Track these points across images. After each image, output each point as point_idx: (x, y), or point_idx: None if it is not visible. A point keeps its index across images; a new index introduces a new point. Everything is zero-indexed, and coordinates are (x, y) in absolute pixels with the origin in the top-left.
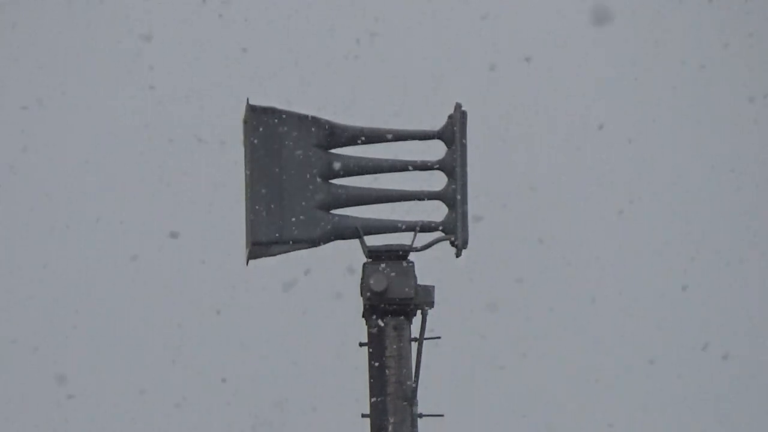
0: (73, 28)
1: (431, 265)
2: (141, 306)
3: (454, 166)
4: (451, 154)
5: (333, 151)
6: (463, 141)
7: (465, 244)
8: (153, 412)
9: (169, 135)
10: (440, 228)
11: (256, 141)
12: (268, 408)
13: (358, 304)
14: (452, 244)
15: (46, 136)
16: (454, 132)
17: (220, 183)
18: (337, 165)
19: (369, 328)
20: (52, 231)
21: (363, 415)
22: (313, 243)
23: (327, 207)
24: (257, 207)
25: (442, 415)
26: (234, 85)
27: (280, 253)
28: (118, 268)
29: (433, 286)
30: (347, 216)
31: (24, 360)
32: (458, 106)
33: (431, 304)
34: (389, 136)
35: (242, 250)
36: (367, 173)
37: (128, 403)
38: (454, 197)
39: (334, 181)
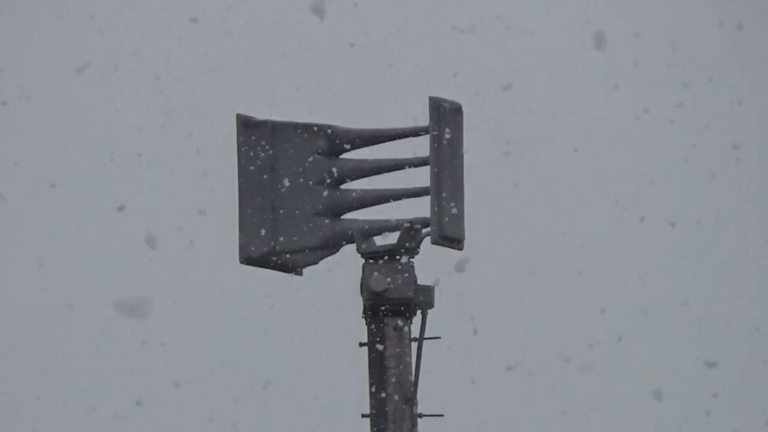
0: (61, 30)
1: (431, 265)
2: (144, 306)
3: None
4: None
5: (341, 156)
6: (436, 132)
7: (443, 238)
8: (152, 410)
9: (164, 144)
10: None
11: (245, 154)
12: (267, 407)
13: (358, 304)
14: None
15: (37, 142)
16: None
17: (217, 189)
18: (337, 170)
19: (369, 328)
20: (52, 236)
21: (363, 415)
22: (327, 250)
23: (330, 214)
24: (248, 223)
25: (442, 415)
26: (225, 94)
27: (307, 265)
28: (114, 270)
29: (433, 286)
30: (347, 220)
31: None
32: (431, 100)
33: (431, 304)
34: (391, 136)
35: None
36: (369, 175)
37: (130, 396)
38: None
39: (343, 186)
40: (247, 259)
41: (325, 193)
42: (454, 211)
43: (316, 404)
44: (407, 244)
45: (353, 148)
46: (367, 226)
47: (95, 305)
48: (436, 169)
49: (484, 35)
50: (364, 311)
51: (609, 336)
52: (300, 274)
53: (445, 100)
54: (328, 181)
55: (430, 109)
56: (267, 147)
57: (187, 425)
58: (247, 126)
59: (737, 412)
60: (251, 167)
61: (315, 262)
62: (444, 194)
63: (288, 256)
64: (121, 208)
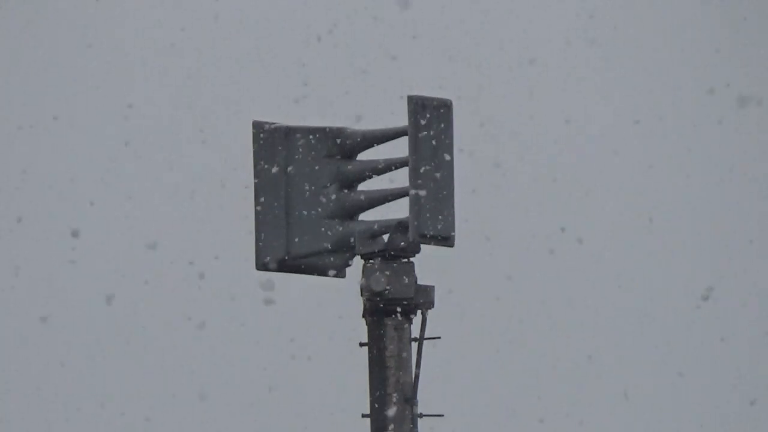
0: (70, 33)
1: (431, 265)
2: (151, 304)
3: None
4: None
5: (354, 157)
6: (412, 130)
7: (422, 236)
8: (153, 411)
9: (176, 153)
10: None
11: (261, 159)
12: (267, 408)
13: (358, 304)
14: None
15: (51, 150)
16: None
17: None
18: (350, 172)
19: (369, 328)
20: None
21: (363, 415)
22: (349, 252)
23: (344, 216)
24: (264, 228)
25: (442, 415)
26: (228, 99)
27: (343, 267)
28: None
29: (433, 286)
30: (360, 221)
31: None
32: (409, 98)
33: (431, 304)
34: (401, 134)
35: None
36: (381, 173)
37: (131, 398)
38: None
39: (359, 188)
40: (264, 265)
41: (339, 195)
42: (438, 208)
43: (316, 404)
44: (400, 244)
45: (365, 148)
46: (366, 227)
47: (101, 312)
48: (413, 168)
49: (487, 34)
50: (364, 311)
51: (611, 337)
52: (342, 276)
53: (430, 98)
54: (341, 183)
55: (407, 108)
56: (281, 152)
57: (183, 423)
58: (262, 132)
59: None
60: (266, 173)
61: (348, 264)
62: (422, 192)
63: (303, 260)
64: (131, 215)
